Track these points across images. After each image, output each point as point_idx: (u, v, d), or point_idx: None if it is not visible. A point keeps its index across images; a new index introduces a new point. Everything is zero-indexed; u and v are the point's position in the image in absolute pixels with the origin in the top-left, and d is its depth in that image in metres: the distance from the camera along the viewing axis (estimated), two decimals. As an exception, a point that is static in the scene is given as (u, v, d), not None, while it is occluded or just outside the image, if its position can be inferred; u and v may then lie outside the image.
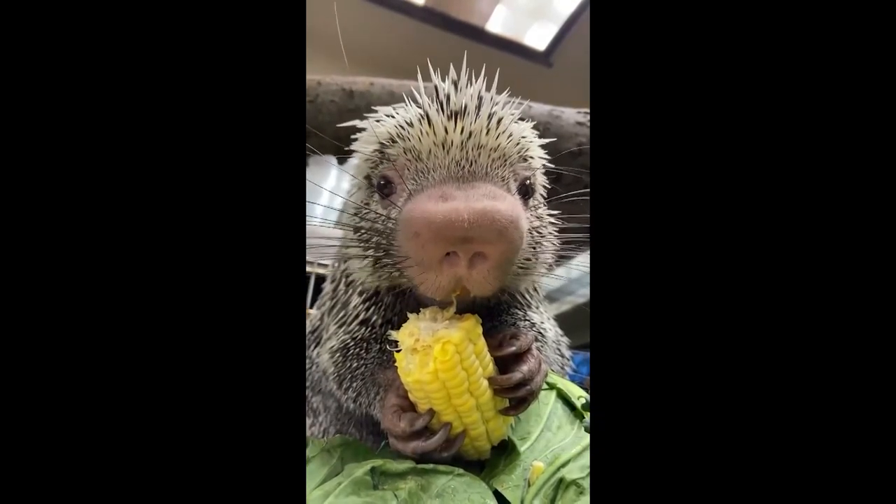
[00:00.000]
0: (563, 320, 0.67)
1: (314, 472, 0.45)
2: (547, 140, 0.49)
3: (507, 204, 0.37)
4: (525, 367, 0.44)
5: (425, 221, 0.36)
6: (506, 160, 0.42)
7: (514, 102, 0.45)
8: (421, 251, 0.38)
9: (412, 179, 0.41)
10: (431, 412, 0.42)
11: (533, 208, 0.46)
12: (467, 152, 0.40)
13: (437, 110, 0.41)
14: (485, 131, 0.41)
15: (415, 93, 0.44)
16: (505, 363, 0.45)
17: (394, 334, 0.43)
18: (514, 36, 2.53)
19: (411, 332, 0.42)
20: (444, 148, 0.40)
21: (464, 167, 0.39)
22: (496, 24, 2.48)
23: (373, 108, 0.47)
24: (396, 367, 0.43)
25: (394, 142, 0.43)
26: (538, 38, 2.53)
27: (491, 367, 0.44)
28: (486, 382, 0.42)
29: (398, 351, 0.42)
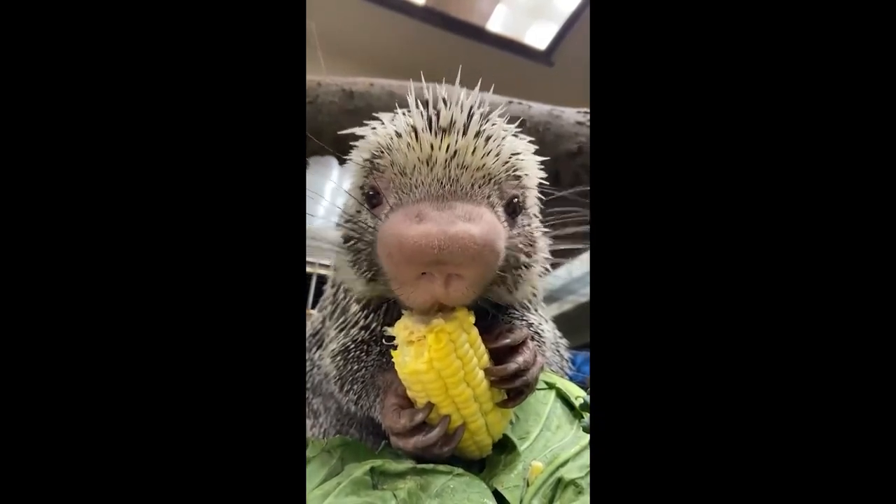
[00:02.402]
0: (564, 320, 0.67)
1: (314, 473, 0.45)
2: (542, 158, 0.48)
3: (481, 226, 0.37)
4: (521, 358, 0.44)
5: (397, 244, 0.36)
6: (490, 179, 0.41)
7: (510, 107, 0.45)
8: (395, 270, 0.39)
9: (395, 194, 0.41)
10: (430, 405, 0.42)
11: (522, 226, 0.45)
12: (450, 171, 0.40)
13: (424, 127, 0.41)
14: (471, 150, 0.40)
15: (408, 101, 0.44)
16: (501, 356, 0.45)
17: (389, 330, 0.44)
18: (515, 35, 2.52)
19: (405, 325, 0.42)
20: (428, 164, 0.40)
21: (445, 186, 0.39)
22: (496, 24, 2.48)
23: (373, 113, 0.47)
24: (395, 370, 0.43)
25: (383, 153, 0.43)
26: (539, 37, 2.53)
27: (486, 358, 0.44)
28: (482, 373, 0.43)
29: (395, 347, 0.43)
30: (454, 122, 0.41)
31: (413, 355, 0.41)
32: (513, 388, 0.44)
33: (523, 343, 0.46)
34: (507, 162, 0.43)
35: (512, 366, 0.44)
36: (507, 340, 0.45)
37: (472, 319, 0.43)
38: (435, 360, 0.40)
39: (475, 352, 0.43)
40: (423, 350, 0.41)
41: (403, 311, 0.44)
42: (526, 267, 0.45)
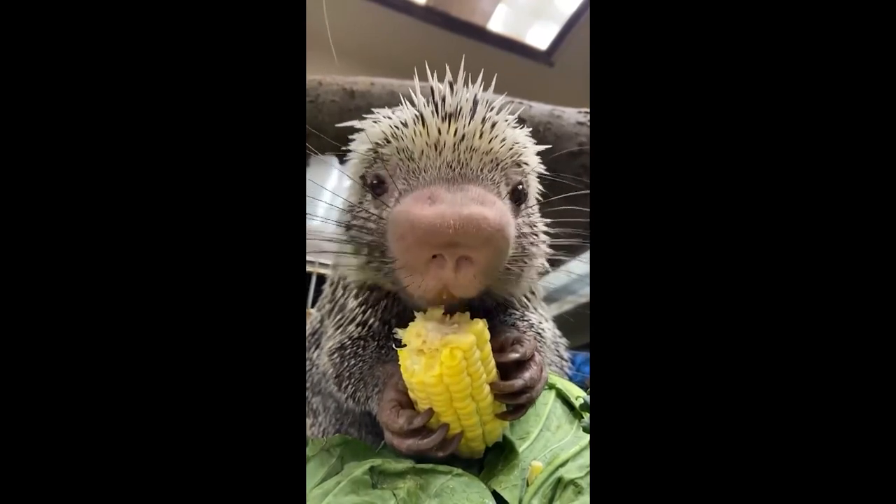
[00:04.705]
0: (564, 320, 0.67)
1: (313, 472, 0.45)
2: (543, 147, 0.49)
3: (494, 210, 0.37)
4: (527, 374, 0.44)
5: (410, 225, 0.36)
6: (498, 164, 0.42)
7: (511, 105, 0.45)
8: (406, 254, 0.38)
9: (403, 179, 0.41)
10: (430, 411, 0.42)
11: (525, 214, 0.46)
12: (459, 154, 0.40)
13: (432, 112, 0.41)
14: (478, 134, 0.41)
15: (412, 93, 0.44)
16: (506, 368, 0.44)
17: (400, 332, 0.43)
18: (516, 35, 2.52)
19: (418, 332, 0.42)
20: (436, 149, 0.40)
21: (455, 169, 0.39)
22: (497, 24, 2.48)
23: (373, 108, 0.48)
24: (395, 362, 0.43)
25: (388, 141, 0.43)
26: (540, 37, 2.53)
27: (494, 373, 0.43)
28: (488, 387, 0.42)
29: (402, 347, 0.42)
30: (460, 109, 0.41)
31: (423, 366, 0.40)
32: (516, 403, 0.44)
33: (531, 357, 0.45)
34: (511, 148, 0.43)
35: (518, 382, 0.43)
36: (516, 355, 0.44)
37: (488, 336, 0.42)
38: (445, 376, 0.39)
39: (485, 367, 0.42)
40: (434, 363, 0.40)
41: (416, 314, 0.43)
42: (530, 258, 0.45)
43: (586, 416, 0.51)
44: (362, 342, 0.50)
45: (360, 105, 1.35)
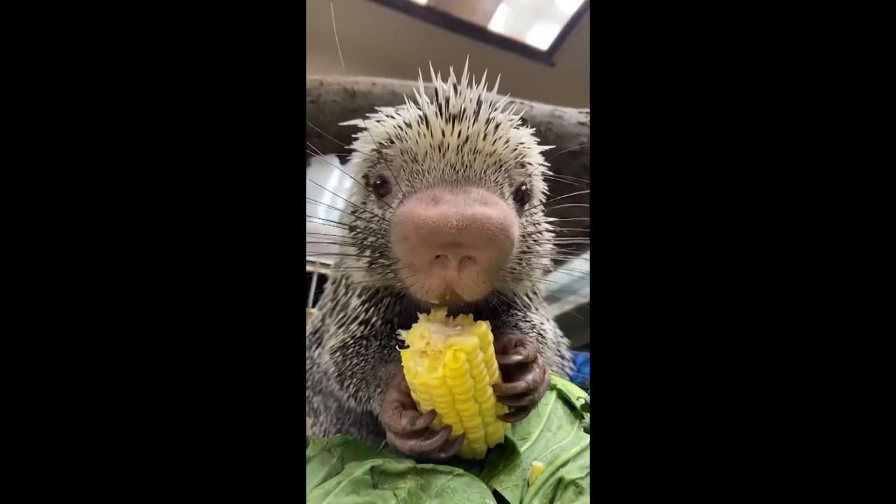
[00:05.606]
0: (565, 320, 0.66)
1: (314, 472, 0.45)
2: (546, 147, 0.49)
3: (497, 210, 0.37)
4: (530, 377, 0.44)
5: (414, 226, 0.36)
6: (501, 165, 0.42)
7: (514, 106, 0.45)
8: (410, 254, 0.38)
9: (407, 181, 0.41)
10: (433, 413, 0.42)
11: (529, 214, 0.46)
12: (463, 156, 0.40)
13: (436, 113, 0.42)
14: (482, 136, 0.41)
15: (415, 94, 0.45)
16: (509, 369, 0.45)
17: (403, 334, 0.43)
18: (517, 35, 2.52)
19: (422, 334, 0.42)
20: (440, 151, 0.40)
21: (458, 171, 0.40)
22: (498, 24, 2.48)
23: (375, 108, 0.48)
24: (397, 362, 0.43)
25: (392, 142, 0.43)
26: (541, 37, 2.53)
27: (497, 375, 0.43)
28: (490, 389, 0.42)
29: (405, 348, 0.42)
30: (464, 110, 0.41)
31: (427, 368, 0.40)
32: (519, 405, 0.44)
33: (534, 360, 0.45)
34: (515, 149, 0.43)
35: (521, 384, 0.43)
36: (520, 357, 0.44)
37: (491, 338, 0.42)
38: (449, 378, 0.40)
39: (488, 370, 0.42)
40: (437, 365, 0.40)
41: (420, 315, 0.44)
42: (534, 257, 0.45)
43: (587, 417, 0.51)
44: (365, 341, 0.50)
45: (362, 105, 1.35)
